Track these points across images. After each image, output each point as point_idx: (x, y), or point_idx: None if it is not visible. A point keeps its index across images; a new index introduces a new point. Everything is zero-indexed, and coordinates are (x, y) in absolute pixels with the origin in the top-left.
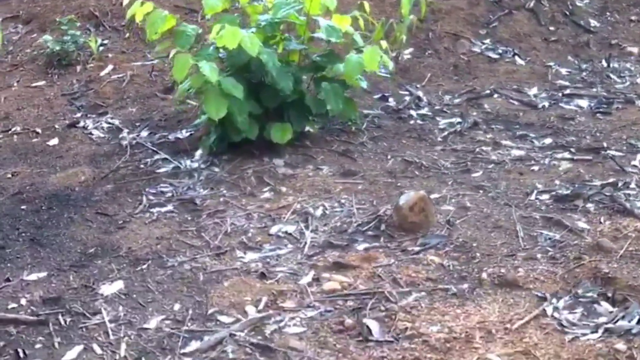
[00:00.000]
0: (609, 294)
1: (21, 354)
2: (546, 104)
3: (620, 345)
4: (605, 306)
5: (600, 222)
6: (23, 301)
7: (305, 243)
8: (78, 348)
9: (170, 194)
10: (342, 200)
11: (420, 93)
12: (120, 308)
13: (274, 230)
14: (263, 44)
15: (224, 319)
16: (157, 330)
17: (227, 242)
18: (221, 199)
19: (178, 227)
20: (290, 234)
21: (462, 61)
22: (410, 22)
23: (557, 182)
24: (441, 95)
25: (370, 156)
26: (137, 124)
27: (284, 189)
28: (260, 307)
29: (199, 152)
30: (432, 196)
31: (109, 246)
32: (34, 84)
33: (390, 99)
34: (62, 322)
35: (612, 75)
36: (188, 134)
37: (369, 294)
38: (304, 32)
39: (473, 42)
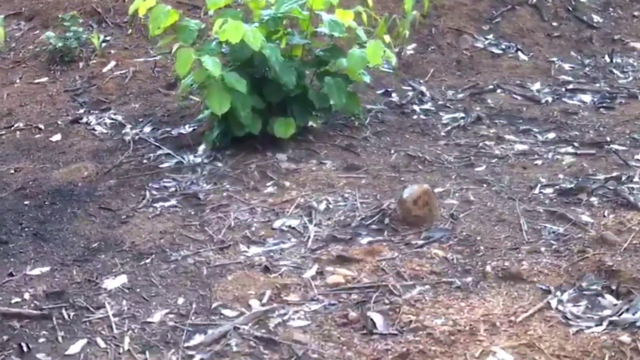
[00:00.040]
0: (613, 287)
1: (25, 348)
2: (549, 99)
3: (625, 338)
4: (609, 299)
5: (604, 216)
6: (26, 296)
7: (309, 237)
8: (82, 342)
9: (173, 189)
10: (346, 195)
11: (423, 88)
12: (124, 302)
13: (277, 224)
14: (266, 39)
15: (227, 312)
16: (161, 324)
17: (231, 236)
18: (224, 194)
19: (181, 222)
20: (293, 228)
21: (465, 57)
22: (413, 18)
23: (560, 176)
24: (444, 90)
25: (373, 151)
26: (140, 120)
27: (287, 184)
28: (264, 300)
29: (202, 147)
30: (436, 190)
31: (112, 241)
32: (36, 81)
33: (393, 94)
34: (66, 316)
35: (615, 71)
36: (191, 129)
37: (373, 288)
38: (307, 26)
39: (476, 37)
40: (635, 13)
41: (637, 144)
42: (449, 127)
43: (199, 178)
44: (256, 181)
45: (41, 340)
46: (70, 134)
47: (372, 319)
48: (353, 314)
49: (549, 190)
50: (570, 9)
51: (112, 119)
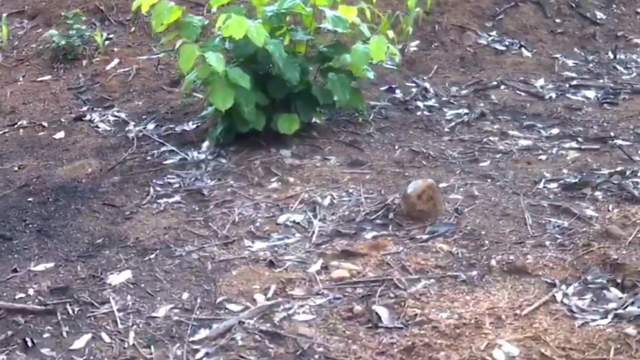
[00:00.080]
0: (618, 280)
1: (29, 343)
2: (553, 95)
3: (630, 330)
4: (614, 292)
5: (609, 210)
6: (31, 291)
7: (314, 232)
8: (86, 337)
9: (177, 185)
10: (350, 190)
11: (427, 85)
12: (129, 297)
13: (281, 219)
14: (269, 35)
15: (232, 307)
16: (165, 318)
17: (235, 231)
18: (228, 190)
19: (186, 217)
20: (298, 223)
21: (469, 53)
22: (416, 15)
23: (565, 171)
24: (448, 86)
25: (377, 146)
26: (144, 117)
27: (291, 179)
28: (269, 295)
29: (205, 144)
30: (440, 185)
31: (117, 237)
32: (39, 79)
33: (397, 91)
34: (70, 312)
35: (618, 67)
36: (195, 126)
37: (378, 282)
38: (311, 23)
39: (479, 34)
40: (639, 10)
41: None
42: (453, 123)
43: (203, 174)
44: (260, 177)
45: (46, 335)
46: (74, 131)
47: (377, 313)
48: (358, 308)
49: (553, 185)
50: (574, 5)
51: (116, 116)
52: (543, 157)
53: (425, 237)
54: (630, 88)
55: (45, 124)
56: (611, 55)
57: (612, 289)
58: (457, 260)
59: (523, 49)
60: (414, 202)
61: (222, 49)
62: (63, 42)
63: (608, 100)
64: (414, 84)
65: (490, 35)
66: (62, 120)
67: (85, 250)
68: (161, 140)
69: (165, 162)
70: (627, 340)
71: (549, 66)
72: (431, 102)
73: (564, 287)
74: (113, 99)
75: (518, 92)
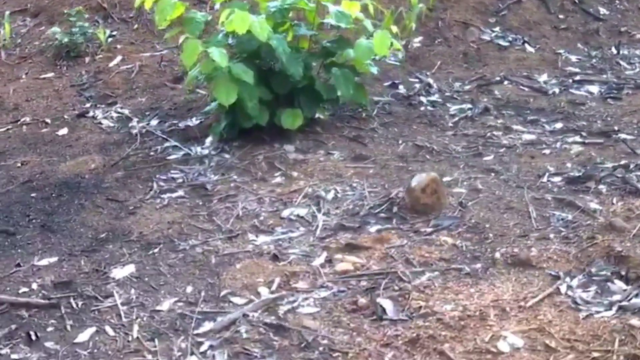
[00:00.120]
0: (623, 273)
1: (33, 337)
2: (556, 90)
3: (635, 322)
4: (619, 284)
5: (613, 203)
6: (34, 285)
7: (317, 226)
8: (90, 330)
9: (181, 180)
10: (354, 184)
11: (430, 80)
12: (132, 291)
13: (285, 213)
14: (272, 31)
15: (237, 300)
16: (169, 312)
17: (239, 225)
18: (232, 184)
19: (189, 212)
20: (302, 217)
21: (472, 49)
22: (419, 11)
23: (568, 164)
24: (451, 82)
25: (381, 141)
26: (147, 113)
27: (295, 174)
28: (273, 288)
29: (209, 139)
30: (444, 179)
31: (120, 231)
32: (42, 76)
33: (400, 86)
34: (74, 305)
35: (621, 62)
36: (198, 121)
37: (382, 274)
38: (314, 18)
39: (482, 30)
40: None
41: None
42: (457, 118)
43: (207, 169)
44: (264, 172)
45: (49, 329)
46: (77, 127)
47: (381, 305)
48: (362, 301)
49: (557, 179)
50: (577, 1)
51: (119, 112)
52: (547, 151)
53: (429, 230)
54: (633, 83)
55: (48, 120)
56: (614, 51)
57: (617, 281)
58: (461, 253)
59: (526, 45)
60: (418, 195)
61: (225, 45)
62: (66, 40)
63: (611, 95)
64: (417, 80)
65: (493, 31)
66: (65, 116)
67: (89, 244)
68: (164, 136)
69: (168, 158)
70: (632, 331)
71: (552, 62)
72: (435, 98)
73: (568, 279)
74: (116, 95)
75: (521, 87)
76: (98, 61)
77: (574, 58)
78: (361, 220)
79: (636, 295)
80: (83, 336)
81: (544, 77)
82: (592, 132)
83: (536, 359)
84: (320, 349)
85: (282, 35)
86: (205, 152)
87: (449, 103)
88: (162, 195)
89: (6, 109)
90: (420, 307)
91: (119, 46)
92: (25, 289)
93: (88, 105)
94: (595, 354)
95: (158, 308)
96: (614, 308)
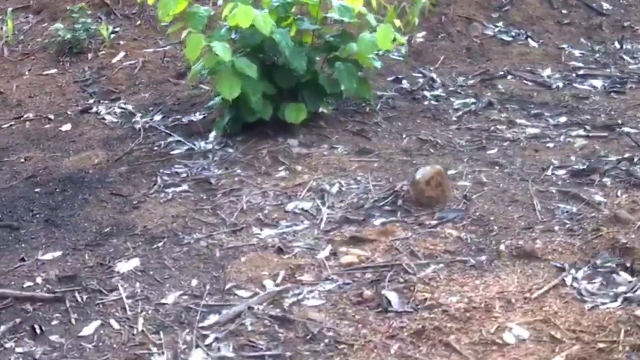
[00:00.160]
0: (628, 264)
1: (38, 330)
2: (560, 84)
3: None
4: (624, 276)
5: (617, 195)
6: (39, 280)
7: (322, 219)
8: (95, 323)
9: (184, 174)
10: (358, 178)
11: (433, 75)
12: (137, 284)
13: (290, 207)
14: (276, 25)
15: (242, 293)
16: (174, 305)
17: (243, 219)
18: (236, 179)
19: (193, 206)
20: (306, 210)
21: (475, 44)
22: (422, 6)
23: (572, 158)
24: (455, 77)
25: (385, 135)
26: (150, 109)
27: (299, 168)
28: (278, 280)
29: (212, 134)
30: (449, 172)
31: (124, 225)
32: (45, 72)
33: (404, 81)
34: (79, 299)
35: (625, 57)
36: (202, 116)
37: (387, 267)
38: (317, 12)
39: (486, 25)
40: None
41: None
42: (460, 112)
43: (210, 164)
44: (268, 166)
45: (54, 322)
46: (80, 123)
47: (387, 297)
48: (368, 293)
49: (561, 172)
50: None
51: (122, 108)
52: (551, 145)
53: (433, 222)
54: (637, 77)
55: (51, 116)
56: (617, 46)
57: (622, 272)
58: (466, 246)
59: (529, 40)
60: (422, 188)
61: (228, 39)
62: (69, 36)
63: (615, 89)
64: (420, 75)
65: (496, 26)
66: (69, 112)
67: (93, 239)
68: (168, 131)
69: (172, 152)
70: (637, 322)
71: (555, 56)
72: (438, 92)
73: (573, 271)
74: (119, 91)
75: (525, 81)
76: (101, 57)
77: (577, 53)
78: (366, 213)
79: None
80: (88, 329)
81: (547, 72)
82: (596, 126)
83: (542, 350)
84: (326, 341)
85: (286, 29)
86: (209, 146)
87: (452, 97)
88: (166, 190)
89: (9, 105)
90: (426, 299)
91: (121, 42)
92: (30, 283)
93: (91, 101)
94: (601, 345)
95: (163, 301)
96: (619, 299)
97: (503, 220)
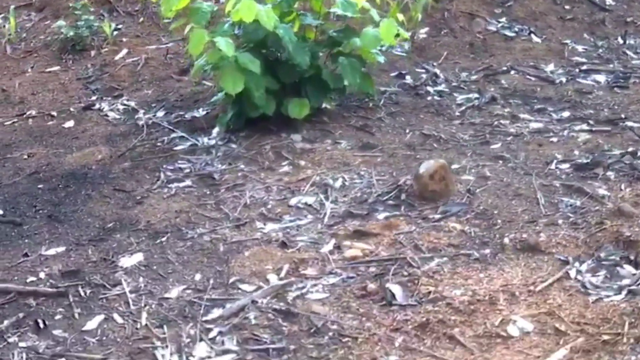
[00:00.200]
0: (632, 257)
1: (41, 325)
2: (563, 79)
3: None
4: (628, 269)
5: (621, 189)
6: (42, 275)
7: (325, 213)
8: (99, 318)
9: (188, 170)
10: (362, 172)
11: (436, 71)
12: (141, 279)
13: (293, 201)
14: (279, 20)
15: (245, 287)
16: (178, 299)
17: (247, 213)
18: (239, 174)
19: (197, 201)
20: (310, 205)
21: (478, 40)
22: (425, 2)
23: (576, 152)
24: (458, 72)
25: (388, 130)
26: (153, 105)
27: (302, 163)
28: (282, 274)
29: (216, 130)
30: (452, 167)
31: (128, 220)
32: (48, 69)
33: (407, 77)
34: (82, 294)
35: (628, 52)
36: (205, 112)
37: (391, 260)
38: (320, 8)
39: (488, 21)
40: None
41: None
42: (464, 107)
43: (214, 159)
44: (271, 161)
45: (57, 317)
46: (83, 120)
47: (391, 291)
48: (372, 286)
49: (565, 166)
50: None
51: (125, 105)
52: (554, 139)
53: (437, 216)
54: None
55: (54, 113)
56: (621, 41)
57: (626, 265)
58: (470, 239)
59: (532, 35)
60: (426, 182)
61: (231, 35)
62: (71, 33)
63: (618, 84)
64: (423, 70)
65: (499, 22)
66: (72, 109)
67: (96, 234)
68: (171, 127)
69: (175, 148)
70: None
71: (558, 52)
72: (441, 88)
73: (577, 264)
74: (122, 88)
75: (528, 76)
76: (104, 54)
77: (580, 48)
78: (369, 207)
79: None
80: (91, 324)
81: (550, 67)
82: (600, 120)
83: (546, 342)
84: (330, 334)
85: (289, 25)
86: (212, 142)
87: (455, 93)
88: (170, 185)
89: (12, 103)
90: (430, 292)
91: (124, 39)
92: (33, 278)
93: (94, 98)
94: (605, 337)
95: (166, 295)
96: (624, 292)
97: (507, 213)
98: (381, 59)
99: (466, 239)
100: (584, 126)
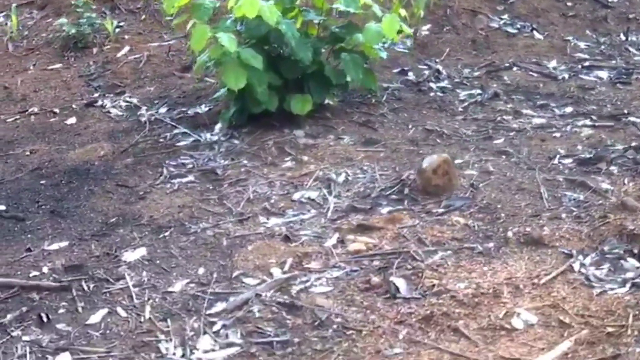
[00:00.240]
0: (635, 251)
1: (44, 319)
2: (566, 75)
3: None
4: (631, 262)
5: (624, 183)
6: (45, 269)
7: (329, 208)
8: (102, 312)
9: (190, 165)
10: (365, 167)
11: (439, 67)
12: (144, 273)
13: (296, 196)
14: (282, 16)
15: (249, 280)
16: (182, 293)
17: (250, 208)
18: (242, 169)
19: (200, 196)
20: (313, 199)
21: (481, 36)
22: None
23: (579, 147)
24: (460, 68)
25: (391, 126)
26: (156, 102)
27: (305, 158)
28: (286, 268)
29: (218, 126)
30: (455, 162)
31: (131, 215)
32: (50, 67)
33: (410, 73)
34: (85, 288)
35: (630, 48)
36: (207, 108)
37: (395, 254)
38: (322, 3)
39: (491, 17)
40: None
41: None
42: (466, 103)
43: (216, 155)
44: (274, 156)
45: (61, 311)
46: (86, 116)
47: (394, 284)
48: (375, 280)
49: (568, 161)
50: None
51: (127, 101)
52: (557, 135)
53: (441, 210)
54: None
55: (56, 110)
56: (623, 37)
57: (629, 259)
58: (473, 233)
59: (535, 32)
60: (429, 176)
61: (234, 30)
62: (73, 31)
63: (621, 80)
64: (426, 67)
65: (501, 19)
66: (74, 106)
67: (99, 229)
68: (174, 123)
69: (178, 144)
70: None
71: (561, 48)
72: (444, 84)
73: (581, 257)
74: (124, 85)
75: (531, 73)
76: (106, 52)
77: (582, 45)
78: (372, 202)
79: None
80: (95, 317)
81: (553, 63)
82: (602, 116)
83: (550, 334)
84: (334, 327)
85: (291, 20)
86: (215, 138)
87: (458, 89)
88: (172, 181)
89: (14, 100)
90: (434, 285)
91: (126, 37)
92: (36, 273)
93: (96, 95)
94: (610, 329)
95: (170, 289)
96: (627, 285)
97: (510, 208)
98: (383, 54)
99: (470, 232)
100: (587, 121)
